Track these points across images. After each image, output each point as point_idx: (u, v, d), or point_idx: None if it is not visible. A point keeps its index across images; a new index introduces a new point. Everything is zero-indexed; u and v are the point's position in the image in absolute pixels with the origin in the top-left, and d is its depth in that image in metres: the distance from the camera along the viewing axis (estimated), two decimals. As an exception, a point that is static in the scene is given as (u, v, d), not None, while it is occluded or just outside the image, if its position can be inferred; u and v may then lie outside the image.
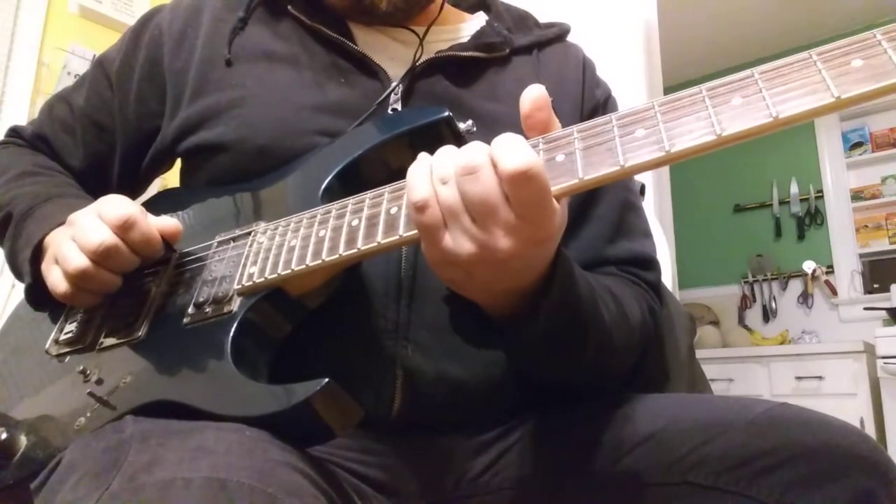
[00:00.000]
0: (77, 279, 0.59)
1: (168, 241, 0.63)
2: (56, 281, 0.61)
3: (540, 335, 0.54)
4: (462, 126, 0.63)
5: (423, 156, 0.50)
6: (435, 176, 0.48)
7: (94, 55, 1.89)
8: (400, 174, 0.53)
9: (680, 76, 3.88)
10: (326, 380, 0.47)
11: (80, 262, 0.58)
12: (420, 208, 0.47)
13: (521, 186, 0.44)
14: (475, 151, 0.46)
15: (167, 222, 0.62)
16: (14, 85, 1.77)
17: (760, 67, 0.44)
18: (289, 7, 0.76)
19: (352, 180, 0.62)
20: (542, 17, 0.87)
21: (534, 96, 0.50)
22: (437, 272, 0.52)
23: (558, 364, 0.61)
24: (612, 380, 0.66)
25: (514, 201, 0.45)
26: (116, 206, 0.60)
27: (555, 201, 0.46)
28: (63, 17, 1.91)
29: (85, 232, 0.58)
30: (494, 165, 0.45)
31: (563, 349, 0.58)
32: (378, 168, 0.63)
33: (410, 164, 0.50)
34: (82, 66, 1.87)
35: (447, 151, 0.49)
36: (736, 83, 0.44)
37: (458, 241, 0.47)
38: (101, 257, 0.58)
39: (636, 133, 0.46)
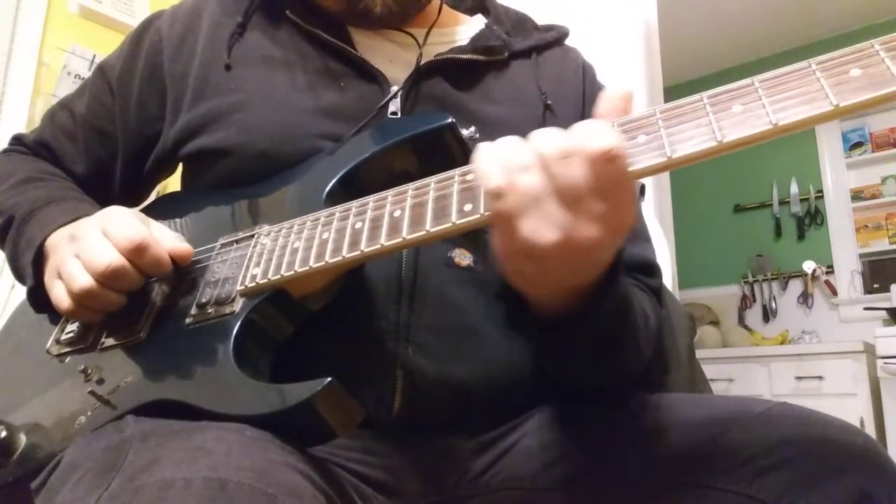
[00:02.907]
0: (81, 298, 0.58)
1: (177, 263, 0.61)
2: (59, 297, 0.60)
3: (595, 332, 0.55)
4: (465, 132, 0.63)
5: (485, 145, 0.49)
6: (514, 163, 0.46)
7: (94, 55, 1.88)
8: (403, 178, 0.54)
9: (680, 76, 3.88)
10: (329, 379, 0.47)
11: (85, 282, 0.57)
12: (497, 195, 0.46)
13: (607, 167, 0.43)
14: (562, 136, 0.45)
15: (178, 246, 0.61)
16: (14, 85, 1.77)
17: (760, 76, 0.45)
18: (287, 12, 0.76)
19: (355, 185, 0.62)
20: (542, 18, 0.87)
21: (625, 93, 0.49)
22: (506, 265, 0.50)
23: (599, 364, 0.61)
24: (629, 381, 0.66)
25: (600, 184, 0.44)
26: (126, 226, 0.58)
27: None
28: (63, 17, 1.91)
29: (92, 252, 0.57)
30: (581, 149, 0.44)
31: (610, 347, 0.59)
32: (381, 173, 0.63)
33: (416, 168, 0.50)
34: (82, 66, 1.87)
35: (517, 140, 0.47)
36: (736, 91, 0.45)
37: (541, 230, 0.45)
38: (107, 279, 0.57)
39: (638, 139, 0.46)
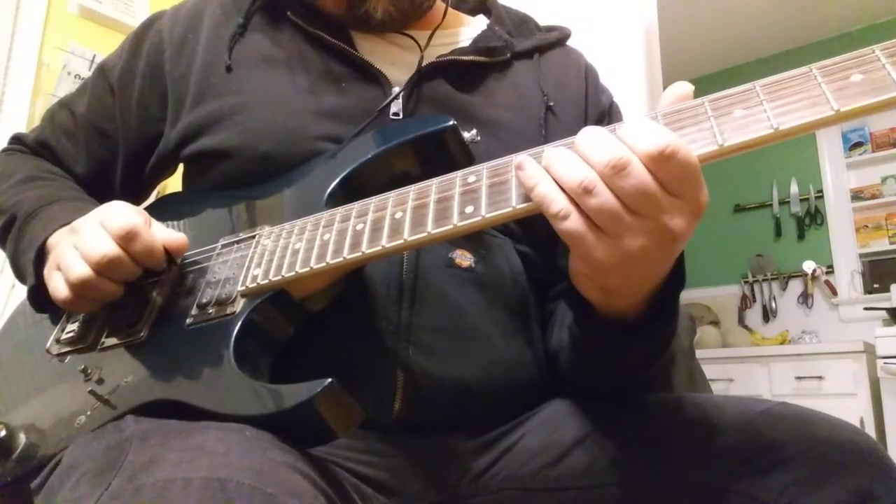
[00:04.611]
0: (78, 288, 0.59)
1: (171, 254, 0.62)
2: (57, 287, 0.60)
3: (671, 332, 0.56)
4: (467, 135, 0.63)
5: (533, 164, 0.48)
6: (574, 183, 0.45)
7: (94, 55, 1.88)
8: (403, 181, 0.54)
9: (680, 76, 3.87)
10: (329, 380, 0.47)
11: (82, 271, 0.58)
12: (563, 217, 0.46)
13: (668, 165, 0.43)
14: (611, 146, 0.45)
15: (173, 236, 0.61)
16: (14, 85, 1.77)
17: (761, 81, 0.45)
18: (288, 13, 0.76)
19: (356, 187, 0.62)
20: (542, 18, 0.87)
21: (682, 93, 0.48)
22: (586, 285, 0.51)
23: (651, 365, 0.61)
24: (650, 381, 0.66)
25: (666, 183, 0.44)
26: (119, 215, 0.59)
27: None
28: (63, 17, 1.91)
29: (89, 241, 0.58)
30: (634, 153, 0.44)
31: (667, 348, 0.59)
32: (382, 175, 0.63)
33: (417, 171, 0.49)
34: (82, 66, 1.87)
35: (566, 158, 0.46)
36: (737, 95, 0.45)
37: (626, 242, 0.45)
38: (103, 268, 0.57)
39: None
